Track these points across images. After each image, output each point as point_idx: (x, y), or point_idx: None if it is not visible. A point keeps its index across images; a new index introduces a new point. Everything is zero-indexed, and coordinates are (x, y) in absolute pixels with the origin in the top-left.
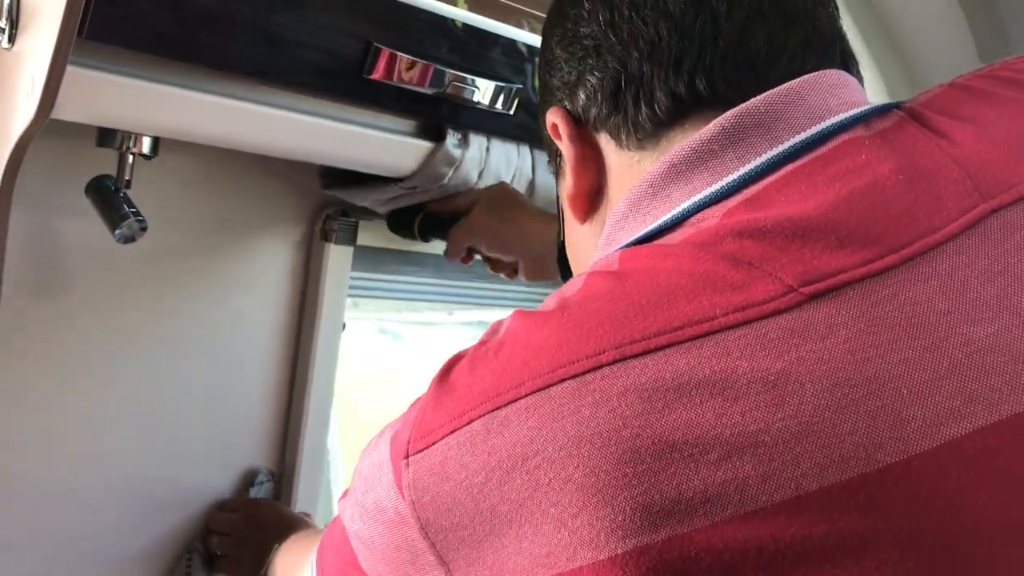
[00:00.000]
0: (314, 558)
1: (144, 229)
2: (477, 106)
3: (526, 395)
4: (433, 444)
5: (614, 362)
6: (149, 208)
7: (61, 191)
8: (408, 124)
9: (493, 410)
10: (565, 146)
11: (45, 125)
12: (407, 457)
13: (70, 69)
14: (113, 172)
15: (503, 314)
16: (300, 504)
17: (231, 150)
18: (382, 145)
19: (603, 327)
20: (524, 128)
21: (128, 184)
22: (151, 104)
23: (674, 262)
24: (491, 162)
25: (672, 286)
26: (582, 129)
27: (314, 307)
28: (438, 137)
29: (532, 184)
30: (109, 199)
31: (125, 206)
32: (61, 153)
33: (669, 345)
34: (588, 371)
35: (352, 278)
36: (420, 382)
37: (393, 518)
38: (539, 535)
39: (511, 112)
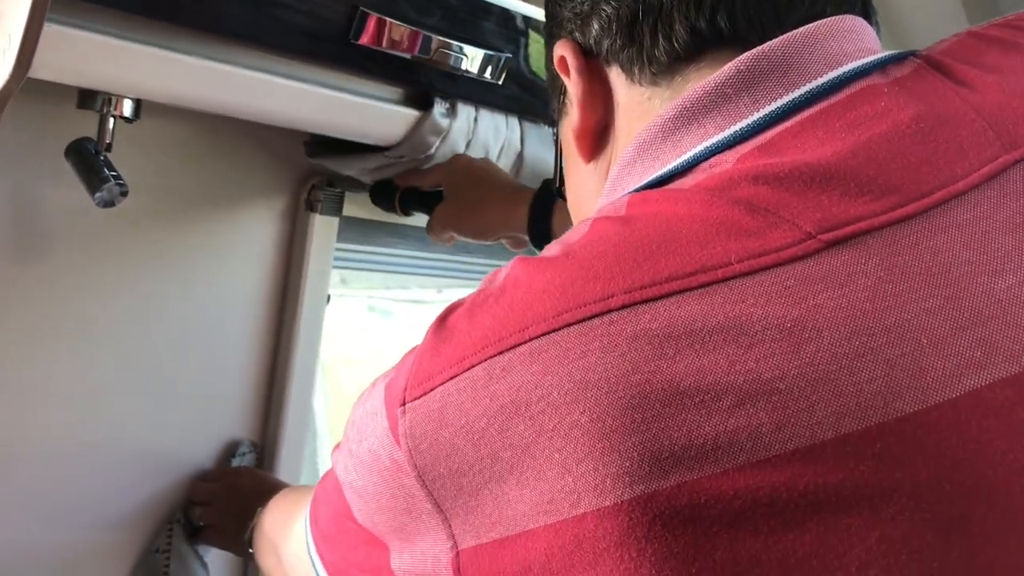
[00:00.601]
0: (307, 512)
1: (125, 193)
2: (466, 75)
3: (530, 339)
4: (431, 390)
5: (623, 307)
6: (130, 172)
7: (40, 153)
8: (395, 92)
9: (495, 355)
10: (573, 80)
11: (23, 84)
12: (403, 404)
13: (49, 27)
14: (94, 135)
15: None
16: (283, 477)
17: (215, 115)
18: (368, 112)
19: (611, 272)
20: (514, 99)
21: (109, 147)
22: (133, 65)
23: (686, 207)
24: (479, 132)
25: (684, 232)
26: (592, 62)
27: (298, 278)
28: (425, 106)
29: (520, 156)
30: (89, 162)
31: (106, 169)
32: (40, 114)
33: (681, 291)
34: (595, 315)
35: (337, 250)
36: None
37: (388, 467)
38: (541, 482)
39: (500, 82)
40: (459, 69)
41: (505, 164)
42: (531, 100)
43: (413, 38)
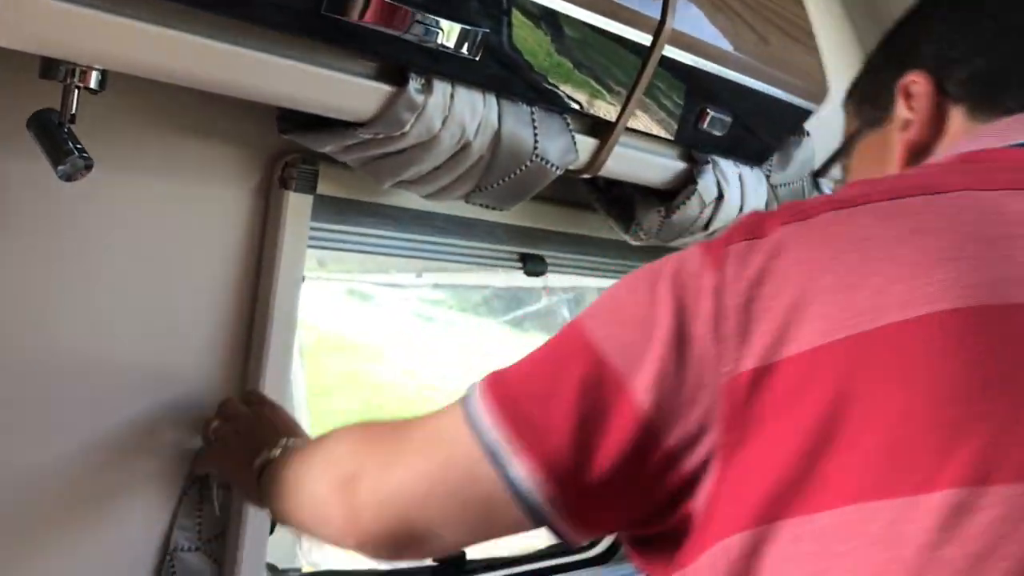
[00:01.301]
0: (474, 393)
1: (89, 167)
2: (442, 49)
3: (868, 203)
4: (765, 236)
5: (962, 190)
6: (96, 146)
7: (1, 124)
8: (369, 66)
9: (835, 209)
10: (918, 105)
11: None
12: (729, 246)
13: None
14: (57, 106)
15: (474, 278)
16: None
17: (184, 88)
18: (340, 87)
19: (953, 167)
20: (492, 76)
21: (73, 119)
22: (98, 34)
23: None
24: (455, 110)
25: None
26: (939, 95)
27: (272, 257)
28: (400, 81)
29: (498, 135)
30: (52, 134)
31: (69, 142)
32: (1, 84)
33: (1004, 189)
34: (934, 193)
35: (312, 228)
36: (389, 342)
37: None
38: (858, 299)
39: (477, 58)
40: (435, 44)
41: (481, 143)
42: (509, 78)
43: (388, 10)
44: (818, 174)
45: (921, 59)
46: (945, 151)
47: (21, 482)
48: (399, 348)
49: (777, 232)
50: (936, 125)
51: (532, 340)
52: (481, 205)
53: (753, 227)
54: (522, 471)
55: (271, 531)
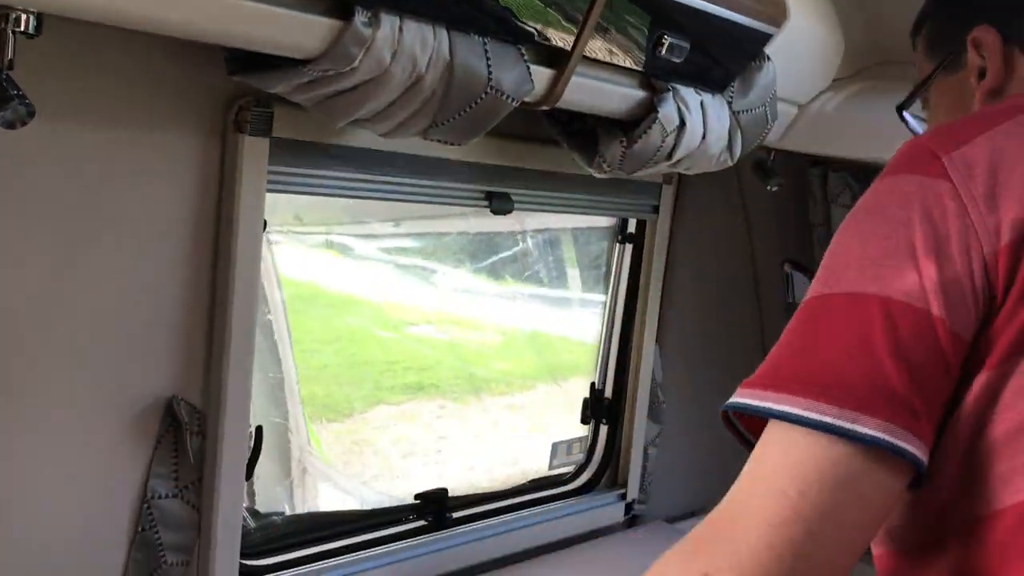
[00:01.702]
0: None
1: (31, 114)
2: None
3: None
4: (961, 146)
5: None
6: (37, 93)
7: None
8: (314, 0)
9: (988, 129)
10: (988, 53)
11: None
12: (937, 160)
13: None
14: None
15: (451, 224)
16: (227, 445)
17: (127, 32)
18: (285, 23)
19: None
20: (442, 7)
21: (11, 65)
22: None
23: None
24: (405, 43)
25: None
26: (1006, 44)
27: (231, 203)
28: (346, 15)
29: (450, 67)
30: None
31: (9, 89)
32: None
33: None
34: None
35: (271, 172)
36: (370, 294)
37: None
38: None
39: None
40: None
41: (434, 76)
42: (461, 9)
43: None
44: (902, 107)
45: (985, 13)
46: (1015, 90)
47: None
48: (380, 299)
49: (973, 140)
50: (1006, 70)
51: (507, 287)
52: (439, 141)
53: (941, 144)
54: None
55: (247, 477)
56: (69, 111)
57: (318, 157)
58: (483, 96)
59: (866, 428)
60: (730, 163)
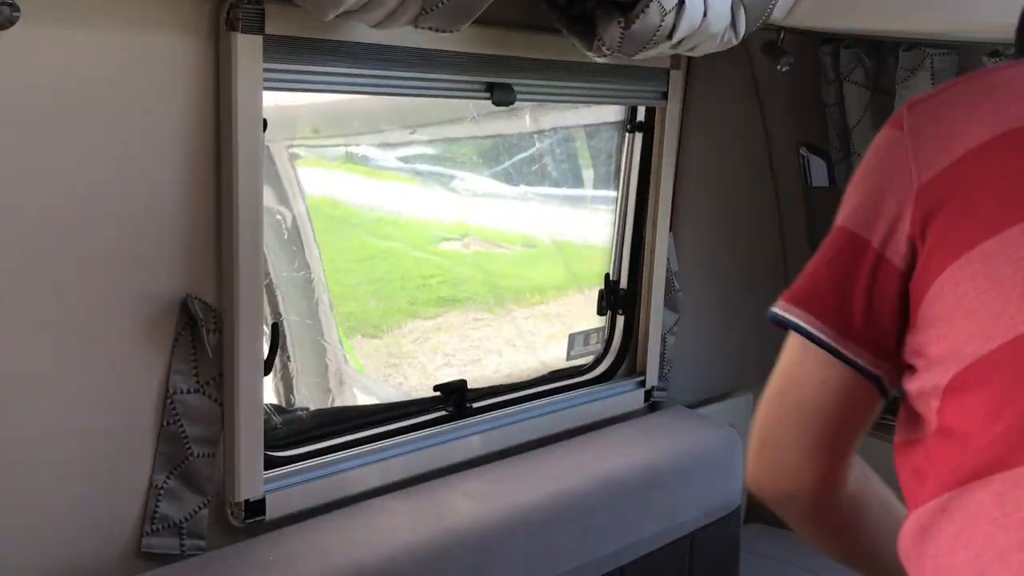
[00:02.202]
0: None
1: (16, 14)
2: None
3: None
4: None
5: None
6: None
7: None
8: None
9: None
10: None
11: None
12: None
13: None
14: None
15: (465, 129)
16: (243, 341)
17: None
18: None
19: None
20: None
21: None
22: None
23: None
24: None
25: None
26: None
27: (229, 103)
28: None
29: None
30: None
31: None
32: None
33: None
34: None
35: (267, 70)
36: (397, 209)
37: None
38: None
39: None
40: None
41: None
42: None
43: None
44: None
45: None
46: None
47: (17, 347)
48: (408, 214)
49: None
50: None
51: (527, 189)
52: (431, 28)
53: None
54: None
55: (267, 371)
56: (55, 13)
57: (314, 53)
58: None
59: (803, 321)
60: (735, 42)
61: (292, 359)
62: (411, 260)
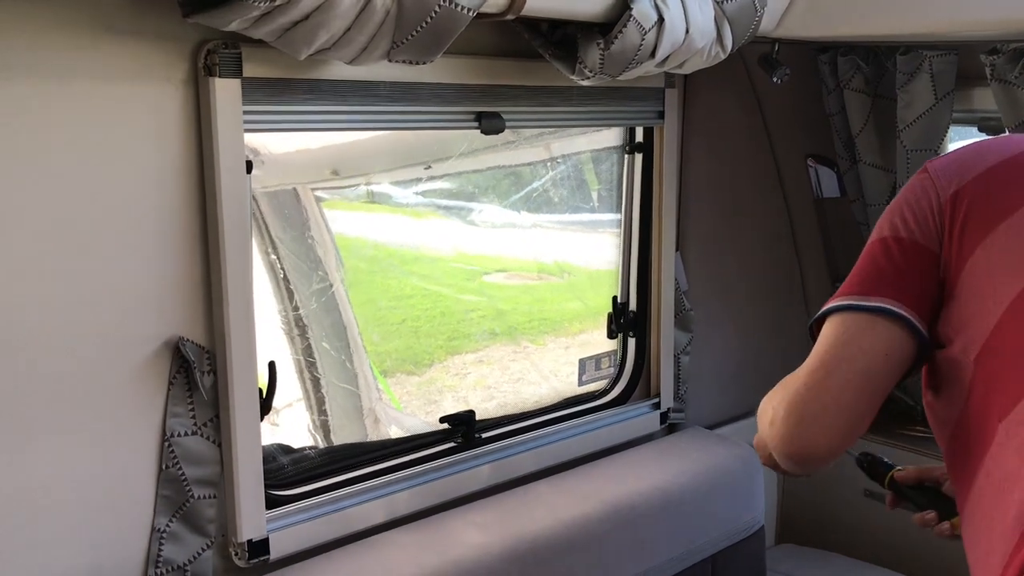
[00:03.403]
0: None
1: None
2: None
3: None
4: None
5: None
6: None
7: None
8: None
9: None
10: None
11: None
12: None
13: None
14: None
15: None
16: (237, 381)
17: None
18: None
19: None
20: None
21: None
22: None
23: None
24: None
25: None
26: None
27: (211, 147)
28: None
29: None
30: None
31: None
32: None
33: None
34: None
35: (250, 112)
36: (432, 245)
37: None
38: None
39: None
40: None
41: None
42: None
43: None
44: None
45: None
46: None
47: (12, 397)
48: (443, 250)
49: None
50: None
51: (537, 217)
52: (405, 62)
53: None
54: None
55: (266, 411)
56: (34, 72)
57: (294, 93)
58: (436, 10)
59: (870, 302)
60: (723, 56)
61: (327, 400)
62: (451, 297)
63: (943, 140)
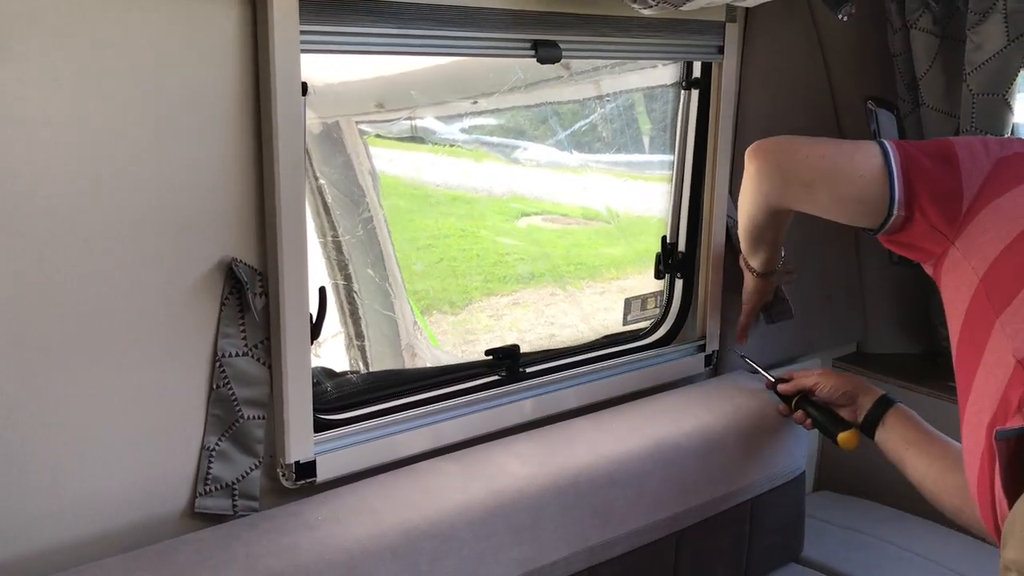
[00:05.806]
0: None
1: None
2: None
3: None
4: None
5: None
6: None
7: None
8: None
9: None
10: None
11: None
12: None
13: None
14: None
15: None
16: (288, 303)
17: None
18: None
19: None
20: None
21: None
22: None
23: None
24: None
25: None
26: None
27: (267, 67)
28: None
29: None
30: None
31: None
32: None
33: None
34: None
35: (307, 32)
36: (474, 185)
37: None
38: None
39: None
40: None
41: None
42: None
43: None
44: None
45: None
46: None
47: (67, 313)
48: (485, 189)
49: None
50: None
51: (584, 157)
52: None
53: None
54: None
55: (315, 336)
56: None
57: (351, 14)
58: None
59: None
60: None
61: (365, 331)
62: (488, 238)
63: (1012, 85)
